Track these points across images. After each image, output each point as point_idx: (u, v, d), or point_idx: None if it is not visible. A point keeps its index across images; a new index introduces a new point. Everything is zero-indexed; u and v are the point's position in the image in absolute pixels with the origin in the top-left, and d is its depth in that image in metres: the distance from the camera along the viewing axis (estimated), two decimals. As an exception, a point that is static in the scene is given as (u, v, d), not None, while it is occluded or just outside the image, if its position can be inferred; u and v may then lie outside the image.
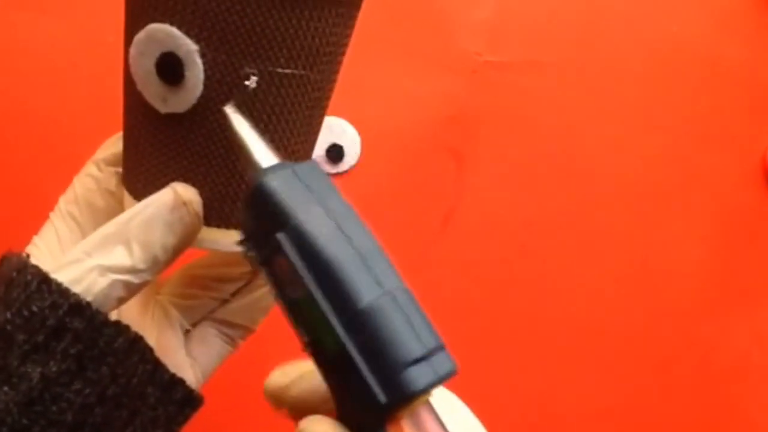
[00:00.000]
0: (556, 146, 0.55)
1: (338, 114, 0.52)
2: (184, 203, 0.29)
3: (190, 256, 0.36)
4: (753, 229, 0.57)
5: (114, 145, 0.34)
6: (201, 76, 0.28)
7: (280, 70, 0.29)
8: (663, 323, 0.56)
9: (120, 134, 0.34)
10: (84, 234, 0.32)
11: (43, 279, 0.28)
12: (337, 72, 0.32)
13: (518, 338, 0.54)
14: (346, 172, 0.53)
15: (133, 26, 0.29)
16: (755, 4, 0.57)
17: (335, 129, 0.52)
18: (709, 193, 0.56)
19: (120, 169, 0.34)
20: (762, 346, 0.57)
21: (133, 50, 0.29)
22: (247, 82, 0.28)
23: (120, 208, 0.33)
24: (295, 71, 0.29)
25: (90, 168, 0.34)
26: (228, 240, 0.31)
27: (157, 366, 0.32)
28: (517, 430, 0.54)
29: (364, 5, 0.53)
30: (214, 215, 0.30)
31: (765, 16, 0.57)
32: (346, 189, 0.57)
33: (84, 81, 0.50)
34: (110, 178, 0.33)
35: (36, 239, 0.33)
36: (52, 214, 0.33)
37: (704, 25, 0.56)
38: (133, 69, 0.29)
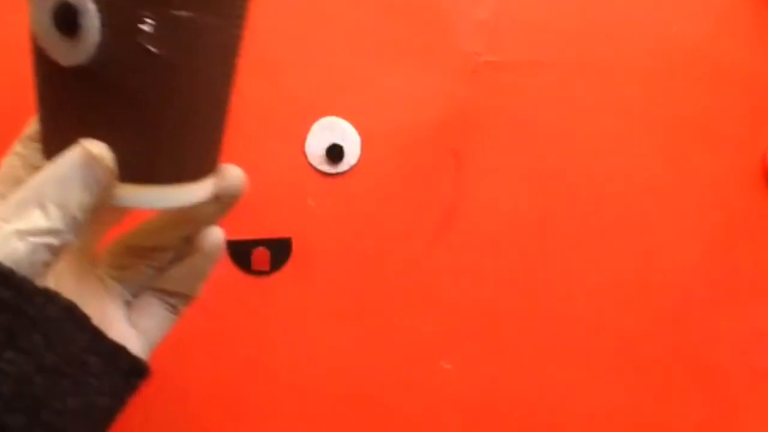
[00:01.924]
0: (556, 146, 0.55)
1: (338, 114, 0.52)
2: (95, 159, 0.28)
3: (125, 227, 0.36)
4: (753, 229, 0.57)
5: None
6: (97, 23, 0.27)
7: (175, 12, 0.28)
8: (663, 323, 0.56)
9: None
10: None
11: None
12: (239, 19, 0.31)
13: (518, 338, 0.54)
14: (346, 172, 0.53)
15: None
16: (755, 4, 0.57)
17: (335, 129, 0.52)
18: (709, 193, 0.56)
19: None
20: (762, 346, 0.57)
21: (30, 6, 0.28)
22: (144, 27, 0.28)
23: None
24: (192, 14, 0.28)
25: (16, 146, 0.33)
26: (147, 196, 0.30)
27: (97, 334, 0.31)
28: (518, 430, 0.54)
29: (364, 5, 0.53)
30: (129, 170, 0.29)
31: (765, 16, 0.57)
32: (346, 189, 0.57)
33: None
34: (35, 153, 0.33)
35: None
36: None
37: (704, 25, 0.56)
38: (32, 23, 0.28)
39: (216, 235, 0.36)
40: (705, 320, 0.57)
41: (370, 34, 0.53)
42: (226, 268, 0.51)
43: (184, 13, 0.28)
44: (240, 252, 0.51)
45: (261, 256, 0.51)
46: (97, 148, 0.29)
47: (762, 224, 0.57)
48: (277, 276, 0.52)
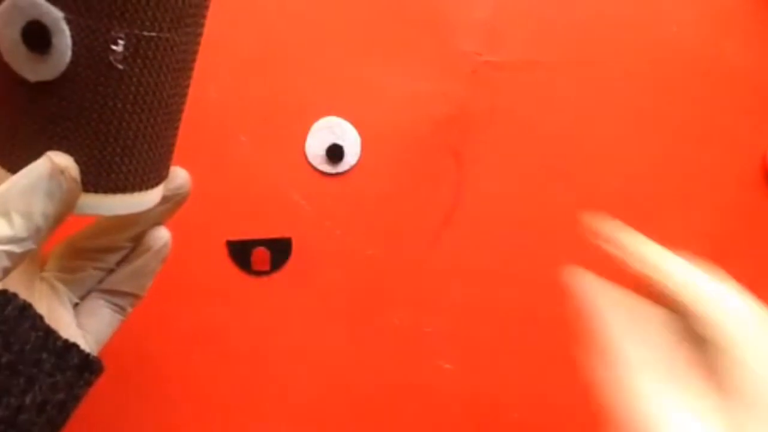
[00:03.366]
0: (556, 146, 0.55)
1: (338, 114, 0.52)
2: (61, 171, 0.29)
3: (71, 230, 0.36)
4: (753, 229, 0.57)
5: None
6: (68, 42, 0.28)
7: (146, 33, 0.29)
8: (663, 323, 0.56)
9: None
10: None
11: None
12: (200, 35, 0.33)
13: (518, 338, 0.54)
14: (346, 172, 0.53)
15: None
16: (755, 4, 0.57)
17: (335, 129, 0.52)
18: (709, 193, 0.56)
19: None
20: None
21: None
22: (114, 47, 0.29)
23: None
24: (161, 34, 0.29)
25: None
26: (108, 204, 0.31)
27: (49, 332, 0.32)
28: (518, 430, 0.54)
29: (364, 5, 0.53)
30: (92, 180, 0.31)
31: (765, 16, 0.57)
32: (346, 189, 0.57)
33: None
34: None
35: None
36: None
37: (704, 25, 0.56)
38: None
39: (163, 235, 0.38)
40: (705, 320, 0.57)
41: (370, 34, 0.53)
42: (226, 268, 0.51)
43: (153, 34, 0.29)
44: (240, 252, 0.51)
45: (261, 256, 0.51)
46: (63, 160, 0.30)
47: (762, 224, 0.57)
48: (277, 276, 0.52)
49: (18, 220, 0.29)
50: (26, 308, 0.31)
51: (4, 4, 0.28)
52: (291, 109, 0.52)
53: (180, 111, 0.33)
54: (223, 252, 0.51)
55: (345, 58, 0.53)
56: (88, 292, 0.37)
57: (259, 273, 0.52)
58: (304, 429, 0.52)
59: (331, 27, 0.53)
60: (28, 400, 0.31)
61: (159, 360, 0.51)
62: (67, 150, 0.30)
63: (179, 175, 0.36)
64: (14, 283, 0.32)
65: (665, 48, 0.56)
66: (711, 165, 0.56)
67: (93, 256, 0.37)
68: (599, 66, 0.55)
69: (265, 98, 0.52)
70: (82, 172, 0.30)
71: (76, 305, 0.37)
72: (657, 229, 0.57)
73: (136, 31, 0.29)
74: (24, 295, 0.32)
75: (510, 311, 0.54)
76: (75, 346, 0.34)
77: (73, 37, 0.28)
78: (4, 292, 0.30)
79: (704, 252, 0.57)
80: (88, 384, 0.36)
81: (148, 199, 0.33)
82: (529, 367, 0.54)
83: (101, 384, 0.50)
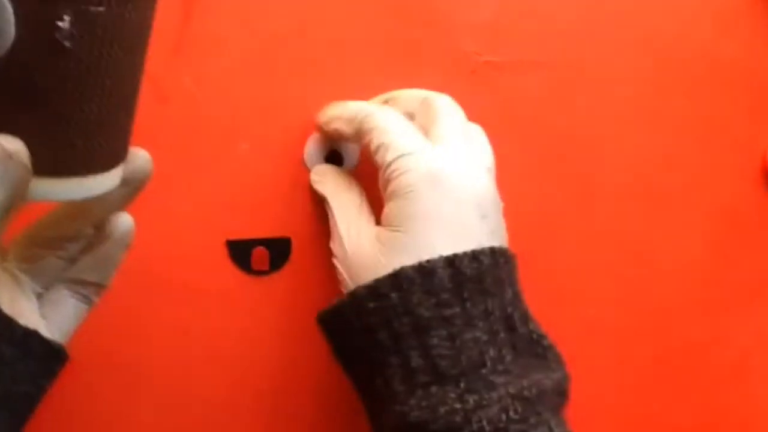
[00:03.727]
0: (556, 146, 0.55)
1: (338, 114, 0.52)
2: (10, 156, 0.28)
3: (32, 219, 0.35)
4: (753, 229, 0.57)
5: None
6: (11, 18, 0.27)
7: (93, 8, 0.28)
8: (663, 323, 0.56)
9: None
10: None
11: None
12: (153, 11, 0.31)
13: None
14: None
15: None
16: (755, 4, 0.57)
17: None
18: (709, 193, 0.56)
19: None
20: (762, 346, 0.57)
21: None
22: (60, 23, 0.27)
23: None
24: (110, 9, 0.28)
25: None
26: (62, 189, 0.30)
27: (10, 322, 0.31)
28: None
29: (364, 5, 0.53)
30: (44, 164, 0.29)
31: (765, 16, 0.57)
32: (346, 189, 0.56)
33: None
34: None
35: None
36: None
37: (704, 25, 0.56)
38: None
39: (125, 222, 0.37)
40: (704, 320, 0.57)
41: (370, 34, 0.53)
42: (226, 268, 0.51)
43: (101, 9, 0.28)
44: (240, 252, 0.51)
45: (261, 256, 0.51)
46: (12, 144, 0.28)
47: (762, 224, 0.57)
48: (276, 276, 0.52)
49: None
50: None
51: None
52: (291, 109, 0.52)
53: (135, 90, 0.32)
54: (223, 252, 0.51)
55: (345, 58, 0.53)
56: (53, 282, 0.37)
57: (258, 273, 0.52)
58: (305, 428, 0.52)
59: (331, 27, 0.53)
60: None
61: (158, 360, 0.51)
62: (15, 133, 0.28)
63: (139, 156, 0.34)
64: None
65: (665, 48, 0.56)
66: (711, 165, 0.56)
67: (54, 245, 0.36)
68: (599, 66, 0.55)
69: (265, 98, 0.52)
70: (33, 155, 0.29)
71: (40, 296, 0.36)
72: (657, 229, 0.57)
73: (83, 6, 0.27)
74: None
75: (510, 311, 0.54)
76: (36, 333, 0.33)
77: (16, 13, 0.27)
78: None
79: (704, 252, 0.57)
80: (53, 374, 0.35)
81: (105, 182, 0.32)
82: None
83: (99, 384, 0.50)
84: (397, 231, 0.40)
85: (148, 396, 0.51)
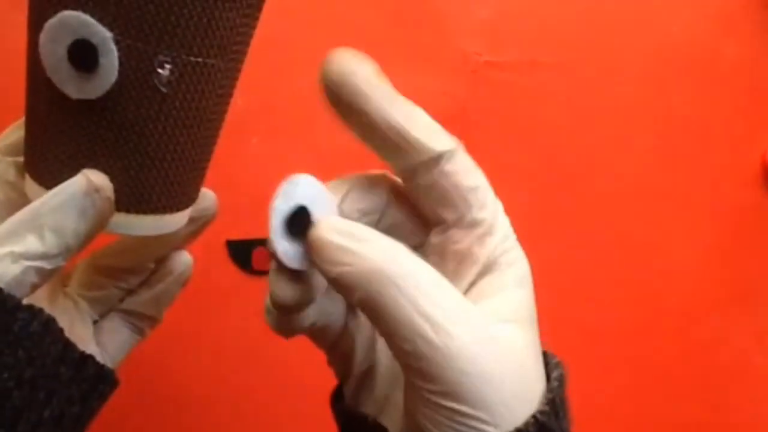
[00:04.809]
0: (556, 146, 0.55)
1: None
2: (96, 189, 0.29)
3: (95, 246, 0.36)
4: (753, 229, 0.57)
5: (10, 134, 0.34)
6: (115, 63, 0.28)
7: (192, 58, 0.29)
8: (663, 323, 0.56)
9: (18, 123, 0.34)
10: None
11: None
12: (242, 62, 0.33)
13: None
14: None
15: (41, 12, 0.29)
16: (755, 4, 0.57)
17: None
18: (709, 193, 0.56)
19: (18, 159, 0.34)
20: (762, 346, 0.57)
21: (43, 37, 0.29)
22: (160, 70, 0.29)
23: (19, 198, 0.33)
24: (207, 60, 0.29)
25: None
26: (138, 224, 0.31)
27: (68, 345, 0.32)
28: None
29: (364, 5, 0.53)
30: (125, 200, 0.30)
31: (765, 16, 0.57)
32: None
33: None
34: (8, 168, 0.34)
35: None
36: None
37: (704, 25, 0.56)
38: (42, 55, 0.29)
39: (186, 260, 0.39)
40: (705, 319, 0.57)
41: (370, 34, 0.53)
42: (226, 268, 0.51)
43: (199, 59, 0.29)
44: (240, 252, 0.51)
45: (261, 256, 0.51)
46: (99, 178, 0.29)
47: (762, 224, 0.57)
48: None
49: (50, 237, 0.29)
50: (50, 322, 0.31)
51: (53, 20, 0.28)
52: (292, 109, 0.52)
53: (216, 136, 0.33)
54: (223, 252, 0.51)
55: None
56: (108, 311, 0.38)
57: (259, 273, 0.52)
58: (305, 428, 0.52)
59: (331, 27, 0.53)
60: (46, 414, 0.31)
61: (158, 360, 0.51)
62: (103, 169, 0.30)
63: (207, 196, 0.36)
64: (37, 297, 0.32)
65: (665, 48, 0.56)
66: (711, 165, 0.56)
67: (115, 275, 0.37)
68: (599, 66, 0.55)
69: (266, 98, 0.52)
70: (115, 191, 0.30)
71: (95, 322, 0.37)
72: (657, 229, 0.57)
73: (183, 56, 0.29)
74: (46, 307, 0.32)
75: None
76: (91, 357, 0.34)
77: (120, 57, 0.28)
78: (31, 307, 0.30)
79: (704, 252, 0.57)
80: (103, 397, 0.35)
81: (177, 221, 0.33)
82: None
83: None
84: (531, 326, 0.30)
85: (149, 395, 0.51)
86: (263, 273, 0.52)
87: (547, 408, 0.26)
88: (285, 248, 0.27)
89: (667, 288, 0.56)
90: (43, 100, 0.30)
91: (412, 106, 0.30)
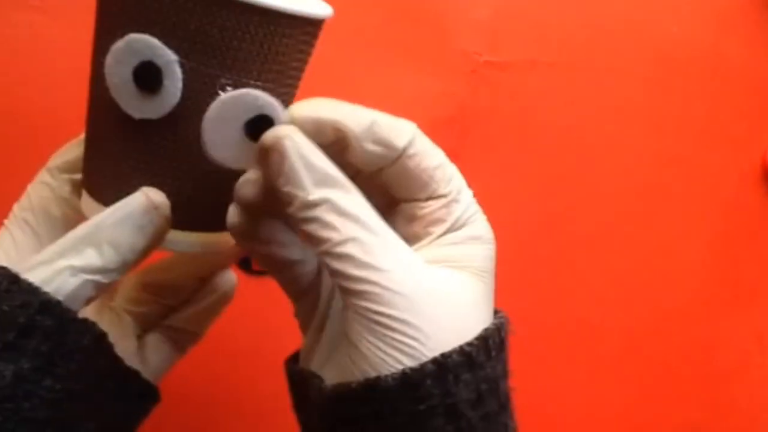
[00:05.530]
0: (556, 146, 0.55)
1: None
2: (155, 207, 0.30)
3: (143, 264, 0.37)
4: (753, 229, 0.57)
5: (68, 152, 0.35)
6: (179, 85, 0.29)
7: (252, 82, 0.30)
8: (663, 323, 0.56)
9: (73, 142, 0.36)
10: (39, 240, 0.34)
11: (13, 279, 0.29)
12: (297, 87, 0.34)
13: (517, 338, 0.54)
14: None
15: (108, 35, 0.30)
16: (755, 4, 0.57)
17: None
18: (709, 193, 0.56)
19: (74, 177, 0.35)
20: (762, 346, 0.57)
21: (110, 58, 0.30)
22: (222, 92, 0.30)
23: (74, 215, 0.34)
24: (266, 84, 0.30)
25: (44, 176, 0.35)
26: (190, 241, 0.32)
27: (116, 361, 0.33)
28: (517, 430, 0.54)
29: (364, 5, 0.53)
30: (180, 218, 0.31)
31: (765, 16, 0.57)
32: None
33: (84, 81, 0.50)
34: (64, 185, 0.35)
35: None
36: (7, 221, 0.35)
37: (704, 25, 0.56)
38: (108, 76, 0.30)
39: (231, 279, 0.39)
40: (705, 319, 0.57)
41: (370, 34, 0.53)
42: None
43: (259, 83, 0.30)
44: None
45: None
46: (157, 196, 0.31)
47: (762, 224, 0.57)
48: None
49: (108, 252, 0.30)
50: (102, 337, 0.32)
51: (120, 42, 0.29)
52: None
53: None
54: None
55: (344, 58, 0.53)
56: (152, 326, 0.38)
57: (259, 273, 0.52)
58: (304, 429, 0.52)
59: (330, 27, 0.53)
60: (91, 426, 0.32)
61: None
62: (161, 187, 0.31)
63: None
64: (85, 312, 0.33)
65: (665, 48, 0.56)
66: (711, 165, 0.56)
67: (161, 292, 0.38)
68: (599, 66, 0.55)
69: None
70: (172, 209, 0.31)
71: (138, 337, 0.38)
72: (657, 229, 0.57)
73: (244, 80, 0.30)
74: (94, 320, 0.33)
75: (509, 311, 0.54)
76: (137, 373, 0.35)
77: (183, 80, 0.29)
78: (85, 320, 0.31)
79: (704, 252, 0.57)
80: (145, 412, 0.36)
81: (227, 239, 0.33)
82: (529, 366, 0.54)
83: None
84: (481, 276, 0.31)
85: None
86: (263, 273, 0.52)
87: (476, 342, 0.28)
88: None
89: (667, 288, 0.56)
90: (106, 119, 0.31)
91: (370, 112, 0.31)
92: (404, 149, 0.31)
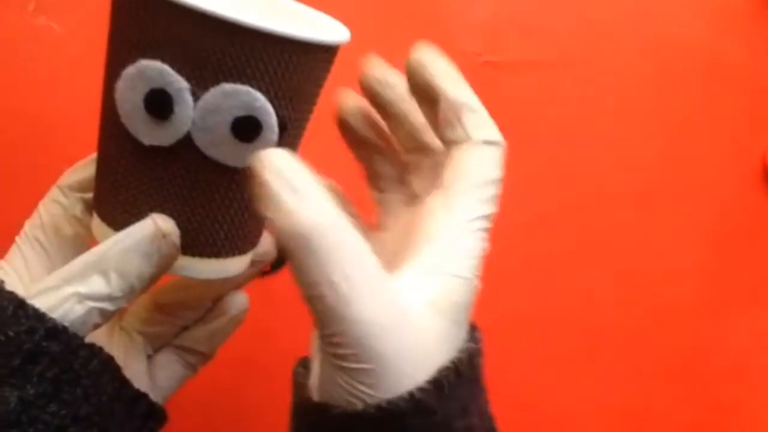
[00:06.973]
0: (556, 146, 0.55)
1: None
2: (163, 235, 0.30)
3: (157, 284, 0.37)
4: (753, 229, 0.57)
5: (80, 171, 0.35)
6: (190, 113, 0.29)
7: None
8: (663, 323, 0.56)
9: (86, 161, 0.35)
10: (50, 259, 0.34)
11: (19, 305, 0.29)
12: (311, 113, 0.33)
13: (517, 338, 0.54)
14: (346, 172, 0.53)
15: (120, 60, 0.29)
16: (755, 4, 0.57)
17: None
18: (709, 193, 0.56)
19: (85, 196, 0.35)
20: (762, 346, 0.57)
21: (121, 84, 0.29)
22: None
23: (86, 234, 0.34)
24: (279, 110, 0.30)
25: (55, 193, 0.35)
26: (200, 268, 0.32)
27: (124, 384, 0.33)
28: (517, 430, 0.54)
29: (364, 5, 0.53)
30: (190, 244, 0.31)
31: (765, 16, 0.57)
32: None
33: (85, 82, 0.50)
34: (76, 204, 0.35)
35: (3, 263, 0.34)
36: (18, 239, 0.34)
37: (704, 25, 0.56)
38: (119, 101, 0.30)
39: (242, 301, 0.39)
40: (705, 320, 0.57)
41: (370, 34, 0.53)
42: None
43: (272, 110, 0.30)
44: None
45: (261, 256, 0.51)
46: (166, 224, 0.30)
47: (762, 224, 0.57)
48: (277, 276, 0.52)
49: (115, 280, 0.30)
50: (109, 361, 0.32)
51: (131, 68, 0.29)
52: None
53: None
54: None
55: (344, 57, 0.53)
56: (162, 345, 0.38)
57: (264, 273, 0.52)
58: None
59: (331, 27, 0.53)
60: None
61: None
62: (170, 213, 0.30)
63: (268, 240, 0.36)
64: (95, 333, 0.33)
65: (665, 48, 0.56)
66: (711, 165, 0.56)
67: (173, 312, 0.38)
68: (599, 66, 0.55)
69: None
70: (181, 235, 0.31)
71: (148, 357, 0.38)
72: (657, 230, 0.57)
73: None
74: (103, 342, 0.33)
75: (509, 311, 0.54)
76: (145, 396, 0.34)
77: (195, 108, 0.29)
78: (92, 345, 0.30)
79: (704, 252, 0.57)
80: None
81: (239, 265, 0.33)
82: (529, 366, 0.54)
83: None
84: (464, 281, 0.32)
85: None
86: (263, 273, 0.52)
87: (428, 386, 0.28)
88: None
89: (667, 288, 0.56)
90: (116, 145, 0.31)
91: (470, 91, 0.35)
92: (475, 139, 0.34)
